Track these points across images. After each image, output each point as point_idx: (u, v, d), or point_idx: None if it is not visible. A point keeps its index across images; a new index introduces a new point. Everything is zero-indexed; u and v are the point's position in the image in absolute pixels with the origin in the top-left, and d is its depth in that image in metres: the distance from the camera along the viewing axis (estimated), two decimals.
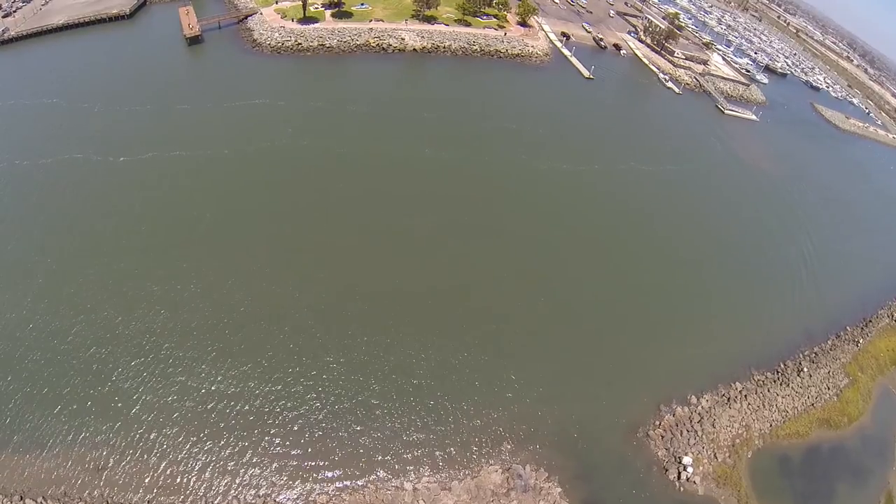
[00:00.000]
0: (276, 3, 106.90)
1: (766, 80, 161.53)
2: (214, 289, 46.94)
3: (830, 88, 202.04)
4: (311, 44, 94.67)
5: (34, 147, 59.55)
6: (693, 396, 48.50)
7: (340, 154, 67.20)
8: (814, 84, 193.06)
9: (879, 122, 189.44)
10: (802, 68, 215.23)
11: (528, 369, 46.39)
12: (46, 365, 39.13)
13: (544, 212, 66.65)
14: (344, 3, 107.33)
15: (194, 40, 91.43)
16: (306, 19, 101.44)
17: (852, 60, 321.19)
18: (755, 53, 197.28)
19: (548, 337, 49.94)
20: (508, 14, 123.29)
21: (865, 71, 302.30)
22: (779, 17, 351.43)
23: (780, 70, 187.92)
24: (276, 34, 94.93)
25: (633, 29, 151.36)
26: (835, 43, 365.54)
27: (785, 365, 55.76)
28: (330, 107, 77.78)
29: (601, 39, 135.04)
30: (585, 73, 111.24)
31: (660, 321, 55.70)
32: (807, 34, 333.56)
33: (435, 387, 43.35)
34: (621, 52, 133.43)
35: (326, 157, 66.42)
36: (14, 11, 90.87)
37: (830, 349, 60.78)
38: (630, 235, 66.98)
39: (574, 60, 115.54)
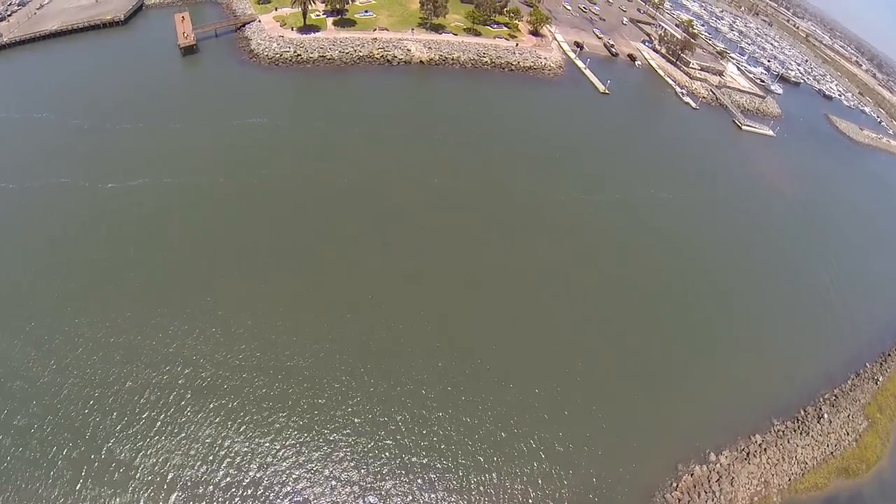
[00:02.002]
0: (276, 10, 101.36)
1: (780, 91, 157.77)
2: (213, 340, 43.01)
3: (843, 97, 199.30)
4: (311, 55, 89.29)
5: (21, 168, 56.57)
6: (712, 453, 45.66)
7: (343, 185, 62.25)
8: (826, 93, 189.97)
9: (891, 132, 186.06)
10: (814, 76, 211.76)
11: (541, 429, 42.79)
12: (37, 424, 36.08)
13: (561, 249, 61.79)
14: (347, 11, 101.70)
15: (189, 50, 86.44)
16: (306, 28, 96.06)
17: (861, 65, 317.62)
18: (768, 61, 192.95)
19: (559, 393, 46.01)
20: (520, 23, 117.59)
21: (874, 76, 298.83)
22: (788, 21, 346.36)
23: (793, 79, 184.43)
24: (275, 44, 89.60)
25: (647, 37, 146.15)
26: (843, 47, 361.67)
27: (805, 412, 53.28)
28: (331, 127, 72.69)
29: (612, 46, 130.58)
30: (601, 87, 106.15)
31: (677, 368, 51.93)
32: (816, 39, 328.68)
33: (445, 449, 39.77)
34: (636, 62, 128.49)
35: (328, 188, 61.58)
36: (9, 15, 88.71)
37: (850, 390, 58.31)
38: (645, 275, 62.07)
39: (588, 73, 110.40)
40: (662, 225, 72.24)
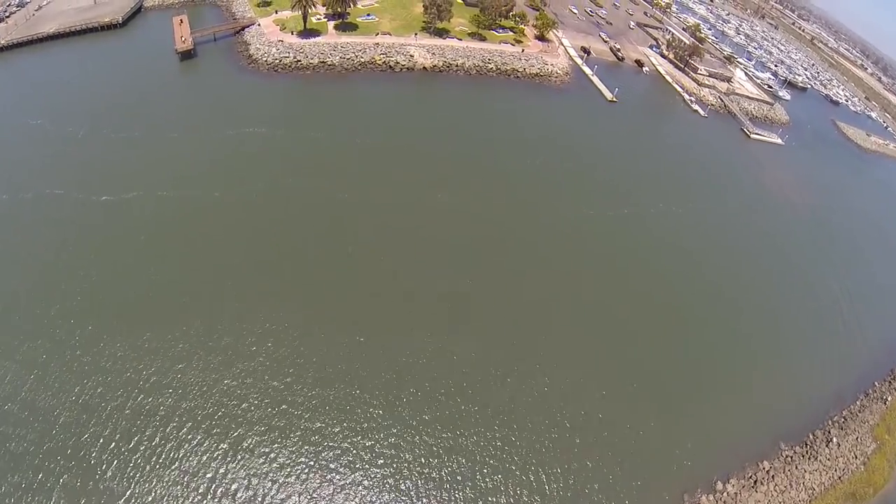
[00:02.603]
0: (276, 13, 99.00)
1: (788, 97, 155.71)
2: (213, 368, 41.28)
3: (849, 102, 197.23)
4: (311, 61, 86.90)
5: (15, 178, 55.63)
6: (719, 481, 43.88)
7: (343, 200, 59.94)
8: (833, 98, 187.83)
9: None
10: (821, 80, 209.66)
11: (543, 459, 40.93)
12: (32, 449, 34.86)
13: (568, 267, 59.56)
14: (348, 15, 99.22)
15: (186, 55, 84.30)
16: (307, 32, 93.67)
17: (866, 69, 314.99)
18: (775, 66, 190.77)
19: (563, 423, 44.02)
20: (526, 28, 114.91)
21: (879, 80, 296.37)
22: (793, 24, 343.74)
23: (800, 84, 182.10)
24: (274, 49, 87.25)
25: (655, 42, 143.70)
26: (848, 50, 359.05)
27: (814, 435, 51.45)
28: (331, 138, 70.36)
29: (618, 50, 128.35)
30: (608, 95, 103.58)
31: (684, 390, 50.03)
32: (821, 41, 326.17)
33: (449, 486, 37.93)
34: (643, 68, 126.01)
35: (327, 204, 59.32)
36: (7, 17, 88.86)
37: (859, 411, 56.42)
38: (649, 294, 59.39)
39: (596, 80, 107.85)
40: (671, 241, 69.80)
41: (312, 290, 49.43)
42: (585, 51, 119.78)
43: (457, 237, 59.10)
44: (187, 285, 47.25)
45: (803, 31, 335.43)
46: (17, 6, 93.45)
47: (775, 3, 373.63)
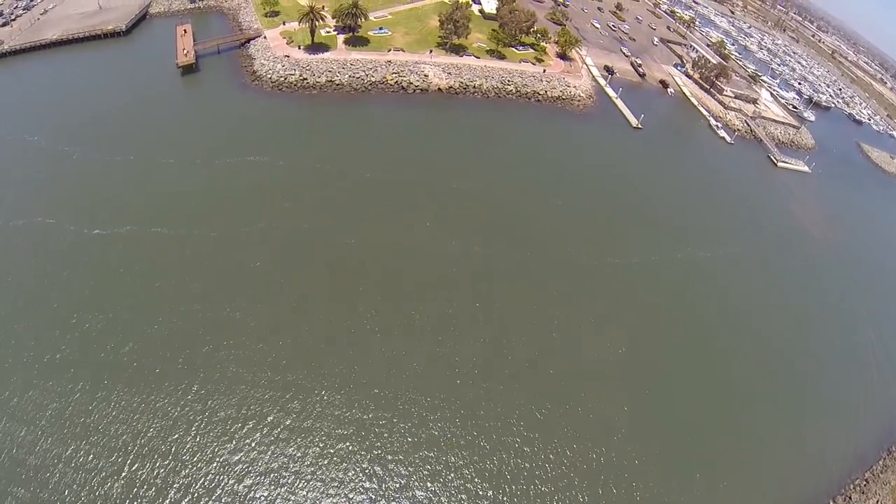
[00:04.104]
0: (284, 24, 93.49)
1: (812, 118, 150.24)
2: (209, 437, 37.79)
3: (871, 121, 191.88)
4: (318, 79, 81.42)
5: (7, 200, 53.68)
6: None
7: (349, 246, 54.81)
8: (857, 117, 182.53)
9: None
10: (844, 97, 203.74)
11: None
12: None
13: (592, 329, 54.22)
14: (360, 28, 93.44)
15: (188, 69, 79.47)
16: (315, 46, 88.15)
17: (885, 83, 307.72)
18: (799, 83, 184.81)
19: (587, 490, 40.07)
20: (547, 45, 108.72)
21: None
22: (813, 36, 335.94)
23: (824, 103, 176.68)
24: (279, 66, 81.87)
25: (679, 61, 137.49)
26: (867, 63, 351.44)
27: (834, 502, 47.74)
28: (336, 170, 65.14)
29: (640, 66, 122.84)
30: (633, 121, 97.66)
31: (697, 454, 45.84)
32: (841, 55, 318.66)
33: None
34: (668, 90, 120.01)
35: (331, 250, 54.27)
36: (13, 20, 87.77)
37: (881, 471, 52.62)
38: (659, 351, 54.44)
39: (620, 104, 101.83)
40: (697, 291, 64.44)
41: (315, 350, 44.71)
42: (609, 70, 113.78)
43: (467, 293, 53.69)
44: (182, 339, 43.39)
45: (823, 43, 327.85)
46: (24, 9, 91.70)
47: (794, 14, 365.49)
